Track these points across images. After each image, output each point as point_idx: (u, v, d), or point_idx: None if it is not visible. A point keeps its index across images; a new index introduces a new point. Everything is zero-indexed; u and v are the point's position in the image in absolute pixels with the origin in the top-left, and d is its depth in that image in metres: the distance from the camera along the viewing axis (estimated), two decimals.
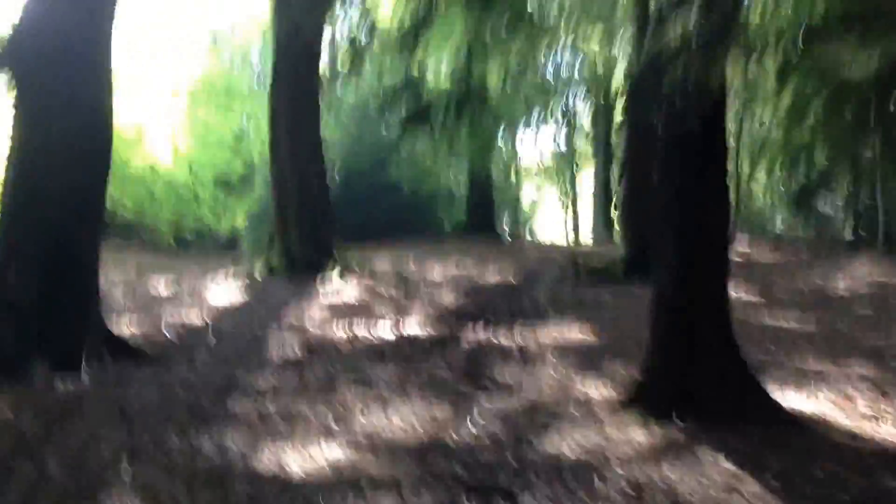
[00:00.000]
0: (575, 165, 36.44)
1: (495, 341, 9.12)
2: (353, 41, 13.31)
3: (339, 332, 9.70)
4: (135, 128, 22.27)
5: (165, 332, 9.52)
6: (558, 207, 39.13)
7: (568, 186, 37.30)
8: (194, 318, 10.55)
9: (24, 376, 6.67)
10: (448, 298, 12.05)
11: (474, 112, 14.18)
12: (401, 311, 10.96)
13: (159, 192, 23.83)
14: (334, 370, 7.70)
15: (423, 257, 16.85)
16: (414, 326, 10.03)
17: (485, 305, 11.17)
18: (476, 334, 9.47)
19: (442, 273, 14.89)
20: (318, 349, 8.74)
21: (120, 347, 7.94)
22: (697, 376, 5.96)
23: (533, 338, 9.16)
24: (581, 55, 28.78)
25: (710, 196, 6.26)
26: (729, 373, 6.03)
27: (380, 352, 8.64)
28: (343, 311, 10.92)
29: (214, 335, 9.32)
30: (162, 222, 23.90)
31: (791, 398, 6.42)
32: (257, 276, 14.25)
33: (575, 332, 9.47)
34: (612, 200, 32.51)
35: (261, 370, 7.69)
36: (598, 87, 30.22)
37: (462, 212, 25.92)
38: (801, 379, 7.09)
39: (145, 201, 23.48)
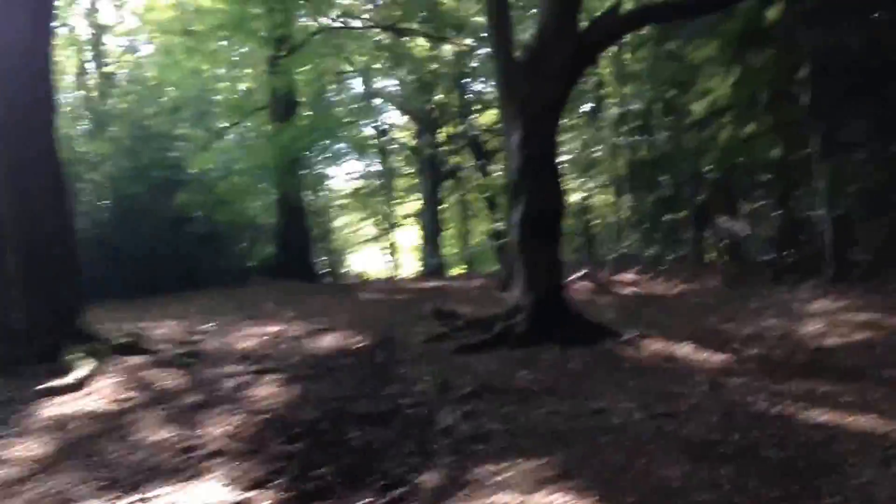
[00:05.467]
0: (395, 191, 32.61)
1: None
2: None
3: None
4: None
5: None
6: (379, 237, 35.07)
7: (388, 214, 33.42)
8: None
9: None
10: (267, 394, 7.35)
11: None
12: (185, 426, 6.21)
13: None
14: None
15: (227, 313, 12.10)
16: (202, 482, 5.24)
17: (337, 415, 6.54)
18: None
19: (257, 339, 10.21)
20: None
21: None
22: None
23: None
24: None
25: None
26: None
27: None
28: (73, 442, 5.98)
29: None
30: None
31: None
32: None
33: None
34: (440, 225, 29.16)
35: None
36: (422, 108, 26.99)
37: (271, 247, 21.09)
38: None
39: None
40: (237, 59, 21.28)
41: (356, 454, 5.51)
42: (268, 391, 7.31)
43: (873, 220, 12.79)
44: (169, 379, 7.85)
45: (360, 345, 9.63)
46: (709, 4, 10.87)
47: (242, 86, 22.31)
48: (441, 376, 7.61)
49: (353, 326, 10.82)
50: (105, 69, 24.73)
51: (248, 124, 22.07)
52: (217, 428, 6.12)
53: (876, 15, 12.12)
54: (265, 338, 10.20)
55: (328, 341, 9.94)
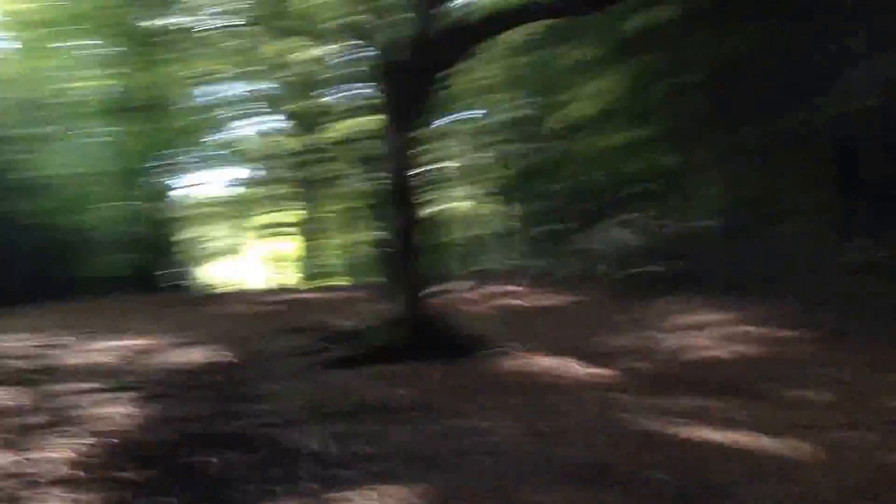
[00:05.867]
0: (274, 198, 31.59)
1: None
2: None
3: None
4: None
5: None
6: (257, 246, 33.94)
7: (266, 222, 32.35)
8: None
9: None
10: (121, 414, 6.72)
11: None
12: (21, 451, 5.53)
13: None
14: None
15: (86, 326, 11.28)
16: None
17: (196, 438, 5.95)
18: None
19: (117, 354, 9.49)
20: None
21: None
22: None
23: None
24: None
25: None
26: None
27: None
28: None
29: None
30: None
31: None
32: None
33: None
34: (320, 234, 28.45)
35: None
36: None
37: (126, 258, 19.95)
38: None
39: None
40: (97, 55, 20.16)
41: (213, 482, 5.01)
42: (123, 411, 6.67)
43: (759, 231, 12.98)
44: (8, 398, 7.11)
45: (228, 360, 9.06)
46: (579, 5, 10.70)
47: (103, 85, 21.13)
48: (311, 394, 7.17)
49: (222, 340, 10.24)
50: None
51: (108, 126, 20.95)
52: (58, 453, 5.50)
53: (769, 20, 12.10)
54: (121, 352, 9.50)
55: (193, 356, 9.32)
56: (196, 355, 9.39)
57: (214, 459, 5.30)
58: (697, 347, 9.25)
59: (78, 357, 9.26)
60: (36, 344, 10.14)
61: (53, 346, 10.00)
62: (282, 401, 7.00)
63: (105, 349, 9.74)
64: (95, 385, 7.60)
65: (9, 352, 9.51)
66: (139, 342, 10.32)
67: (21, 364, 8.54)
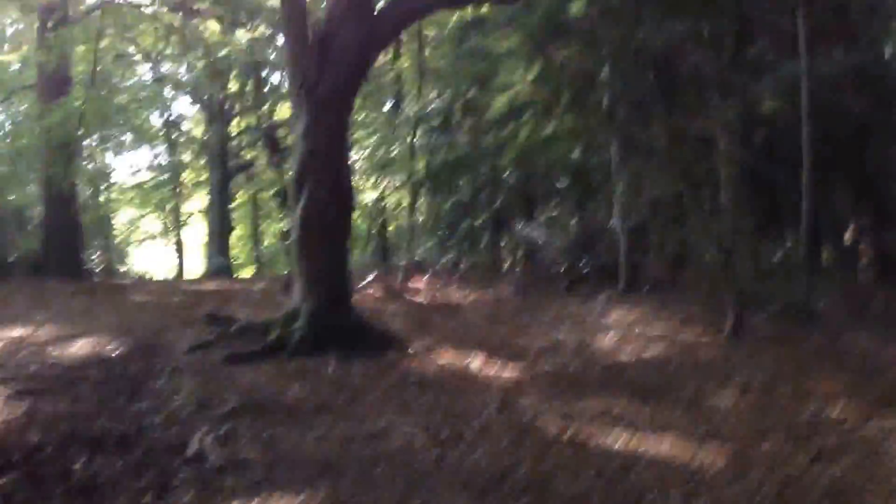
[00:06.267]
0: (181, 184, 30.66)
1: None
2: None
3: None
4: None
5: None
6: (165, 234, 32.90)
7: (172, 209, 31.39)
8: None
9: None
10: None
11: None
12: None
13: None
14: None
15: None
16: None
17: (66, 439, 5.36)
18: None
19: None
20: None
21: None
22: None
23: None
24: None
25: None
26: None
27: None
28: None
29: None
30: None
31: None
32: None
33: None
34: (229, 224, 27.70)
35: None
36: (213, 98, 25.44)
37: (35, 241, 19.02)
38: None
39: None
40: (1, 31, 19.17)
41: (79, 488, 4.57)
42: None
43: (666, 229, 12.92)
44: None
45: (115, 353, 8.50)
46: None
47: (9, 60, 20.13)
48: (201, 391, 6.73)
49: (113, 331, 9.62)
50: None
51: (15, 104, 19.97)
52: None
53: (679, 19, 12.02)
54: (2, 343, 8.85)
55: (79, 348, 8.73)
56: (83, 347, 8.81)
57: (82, 462, 4.85)
58: (603, 347, 9.09)
59: None
60: None
61: None
62: (166, 398, 6.55)
63: None
64: None
65: None
66: (23, 331, 9.66)
67: None
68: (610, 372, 7.88)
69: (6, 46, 20.71)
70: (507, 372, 7.90)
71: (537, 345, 9.20)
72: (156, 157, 30.23)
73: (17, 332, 9.65)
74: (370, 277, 14.58)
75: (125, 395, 6.70)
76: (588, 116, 13.08)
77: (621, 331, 9.79)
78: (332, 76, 9.00)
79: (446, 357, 8.53)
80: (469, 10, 15.12)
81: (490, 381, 7.58)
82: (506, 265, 17.14)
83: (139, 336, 9.40)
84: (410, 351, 8.69)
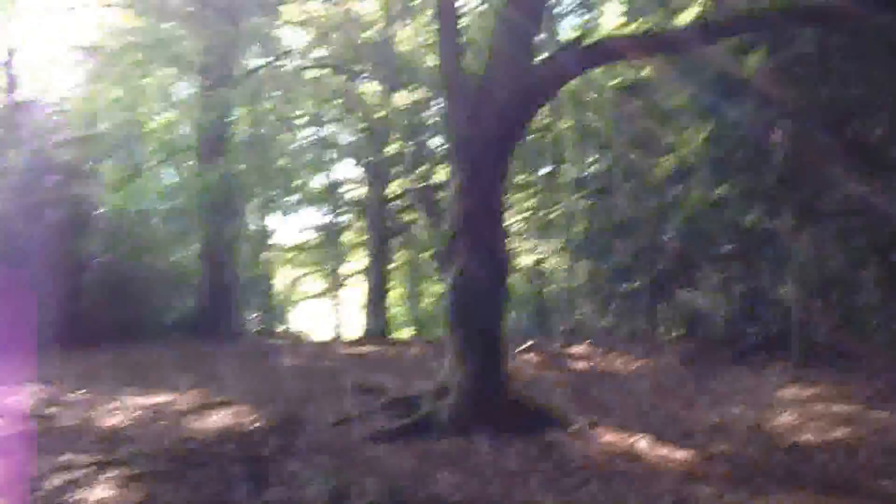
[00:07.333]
0: (342, 246, 30.76)
1: None
2: None
3: None
4: None
5: None
6: (324, 295, 33.03)
7: (332, 271, 31.49)
8: None
9: None
10: (98, 499, 5.49)
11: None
12: None
13: None
14: None
15: (111, 378, 10.37)
16: None
17: None
18: None
19: (130, 414, 8.38)
20: None
21: None
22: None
23: None
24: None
25: None
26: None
27: None
28: None
29: None
30: None
31: None
32: None
33: None
34: (386, 284, 27.36)
35: None
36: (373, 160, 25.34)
37: (193, 302, 19.06)
38: None
39: None
40: (165, 90, 19.56)
41: None
42: (101, 494, 5.51)
43: (846, 298, 11.78)
44: None
45: (255, 426, 7.84)
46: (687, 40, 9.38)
47: (171, 120, 20.51)
48: (338, 478, 5.88)
49: (257, 401, 9.08)
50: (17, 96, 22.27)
51: (177, 165, 20.33)
52: None
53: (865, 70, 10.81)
54: (140, 412, 8.40)
55: (217, 419, 8.20)
56: (223, 418, 8.25)
57: None
58: (784, 427, 7.98)
59: (79, 417, 8.15)
60: (41, 399, 9.09)
61: (59, 403, 8.92)
62: (299, 486, 5.73)
63: (115, 409, 8.64)
64: (81, 457, 6.43)
65: (12, 407, 8.46)
66: (165, 398, 9.24)
67: (11, 429, 7.45)
68: (793, 458, 6.84)
69: (170, 108, 21.10)
70: (678, 454, 7.00)
71: (708, 422, 8.29)
72: (318, 218, 30.46)
73: (158, 398, 9.28)
74: (528, 343, 13.64)
75: (255, 480, 5.95)
76: (761, 178, 11.93)
77: (800, 408, 8.71)
78: (485, 133, 8.29)
79: (609, 436, 7.64)
80: (629, 71, 14.27)
81: (659, 466, 6.69)
82: (665, 331, 15.77)
83: (282, 407, 8.75)
84: (570, 430, 7.62)
